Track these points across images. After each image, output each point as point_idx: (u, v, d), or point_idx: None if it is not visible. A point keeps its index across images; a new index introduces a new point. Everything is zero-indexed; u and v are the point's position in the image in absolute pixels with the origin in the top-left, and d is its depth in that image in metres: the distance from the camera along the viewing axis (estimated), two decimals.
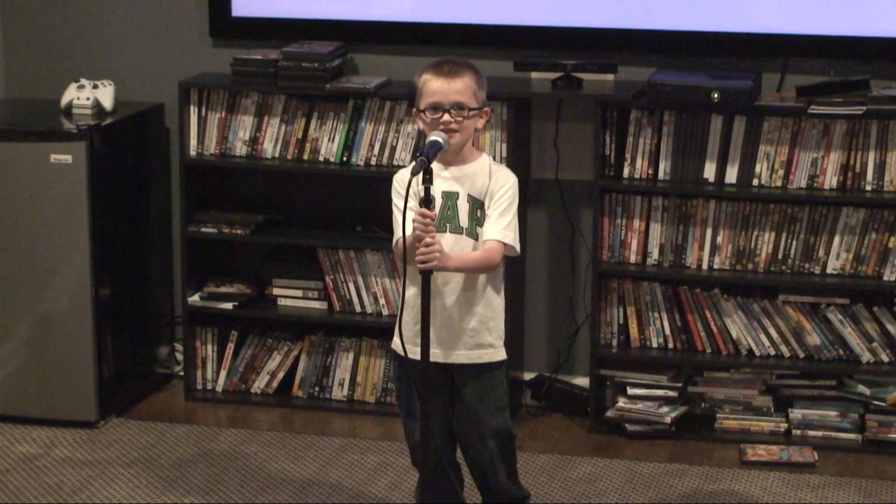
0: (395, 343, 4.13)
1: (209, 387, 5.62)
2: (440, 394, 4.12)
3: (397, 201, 4.09)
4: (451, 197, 4.07)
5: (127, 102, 5.54)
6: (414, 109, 4.10)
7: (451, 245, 4.02)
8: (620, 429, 5.23)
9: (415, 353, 3.97)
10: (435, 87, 4.00)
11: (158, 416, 5.42)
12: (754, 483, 4.85)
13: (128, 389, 5.50)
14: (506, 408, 4.18)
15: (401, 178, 4.12)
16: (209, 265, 5.62)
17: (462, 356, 4.11)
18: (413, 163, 3.93)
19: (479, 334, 4.11)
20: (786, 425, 5.19)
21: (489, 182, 4.08)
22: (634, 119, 5.18)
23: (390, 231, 4.15)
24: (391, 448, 5.07)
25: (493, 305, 4.13)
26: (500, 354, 4.16)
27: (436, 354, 3.99)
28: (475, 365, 4.12)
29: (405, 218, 3.85)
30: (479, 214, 4.08)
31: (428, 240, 3.88)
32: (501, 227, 4.06)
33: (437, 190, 3.95)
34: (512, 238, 4.07)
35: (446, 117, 3.99)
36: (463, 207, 4.07)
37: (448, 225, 4.06)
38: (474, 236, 4.07)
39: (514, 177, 4.13)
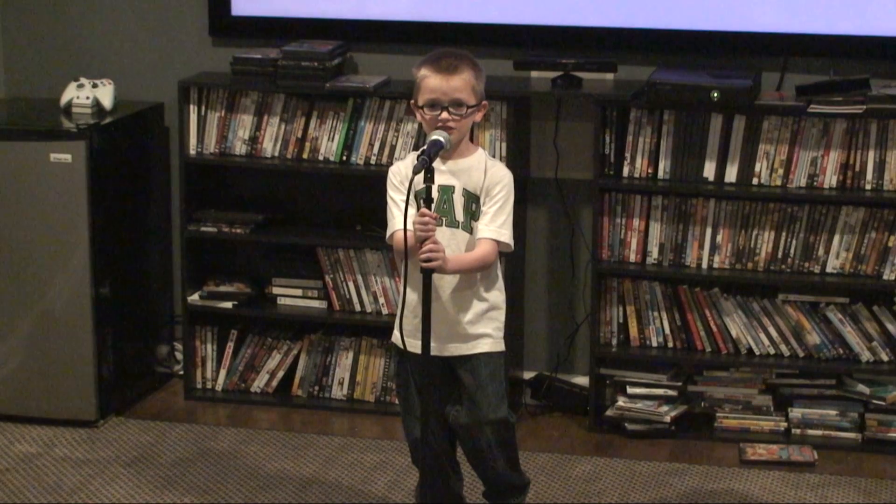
0: (395, 336, 4.14)
1: (209, 386, 5.62)
2: (439, 390, 4.13)
3: (392, 193, 4.11)
4: (447, 191, 4.07)
5: (126, 102, 5.55)
6: (412, 102, 4.10)
7: (447, 239, 4.03)
8: (620, 428, 5.23)
9: (414, 346, 3.98)
10: (433, 84, 4.00)
11: (158, 416, 5.42)
12: (754, 482, 4.85)
13: (127, 388, 5.50)
14: (504, 398, 4.18)
15: (396, 171, 4.13)
16: (209, 264, 5.62)
17: (460, 349, 4.12)
18: (412, 158, 3.93)
19: (475, 326, 4.12)
20: (785, 424, 5.19)
21: (484, 178, 4.08)
22: (634, 118, 5.18)
23: (385, 225, 4.15)
24: (391, 447, 5.07)
25: (488, 299, 4.14)
26: (497, 346, 4.16)
27: (433, 348, 3.99)
28: (472, 356, 4.13)
29: (406, 215, 3.85)
30: (473, 208, 4.08)
31: (434, 239, 3.89)
32: (497, 226, 4.07)
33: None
34: (507, 236, 4.08)
35: (445, 115, 3.99)
36: (458, 201, 4.08)
37: (444, 219, 4.06)
38: (469, 230, 4.08)
39: (509, 173, 4.13)
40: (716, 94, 4.94)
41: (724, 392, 5.27)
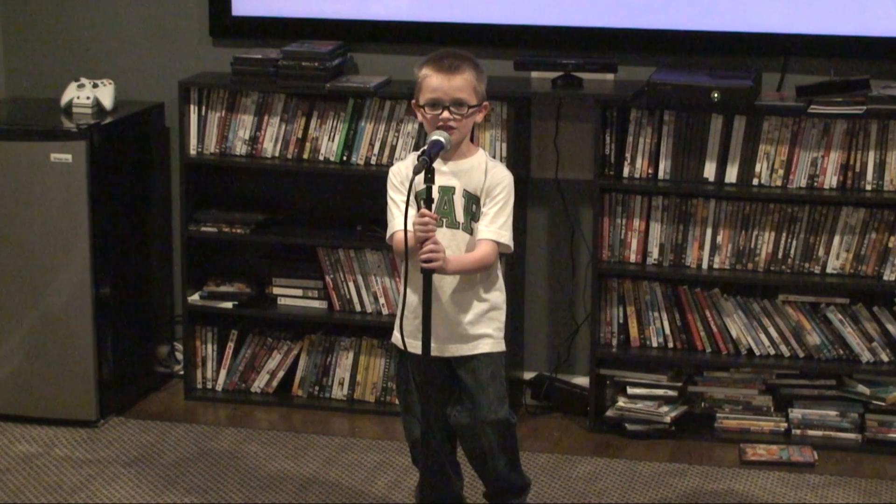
0: (395, 337, 4.14)
1: (209, 386, 5.62)
2: (440, 391, 4.13)
3: (393, 194, 4.11)
4: (447, 192, 4.07)
5: (127, 101, 5.55)
6: (413, 102, 4.11)
7: (448, 240, 4.03)
8: (620, 428, 5.23)
9: (414, 346, 3.98)
10: (434, 83, 4.00)
11: (158, 416, 5.42)
12: (754, 483, 4.85)
13: (128, 388, 5.50)
14: (505, 398, 4.19)
15: (396, 171, 4.14)
16: (209, 264, 5.62)
17: (460, 349, 4.12)
18: (413, 159, 3.93)
19: (476, 327, 4.13)
20: (785, 425, 5.19)
21: (485, 179, 4.09)
22: (634, 119, 5.18)
23: (385, 225, 4.16)
24: (391, 447, 5.07)
25: (489, 300, 4.14)
26: (498, 346, 4.17)
27: (433, 349, 3.99)
28: (473, 356, 4.13)
29: (406, 215, 3.85)
30: (474, 209, 4.09)
31: (434, 239, 3.89)
32: (497, 227, 4.07)
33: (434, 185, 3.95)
34: (507, 238, 4.09)
35: (445, 114, 3.99)
36: (459, 202, 4.08)
37: (444, 220, 4.07)
38: (469, 231, 4.08)
39: (510, 175, 4.14)
40: (716, 95, 4.94)
41: (724, 392, 5.27)
